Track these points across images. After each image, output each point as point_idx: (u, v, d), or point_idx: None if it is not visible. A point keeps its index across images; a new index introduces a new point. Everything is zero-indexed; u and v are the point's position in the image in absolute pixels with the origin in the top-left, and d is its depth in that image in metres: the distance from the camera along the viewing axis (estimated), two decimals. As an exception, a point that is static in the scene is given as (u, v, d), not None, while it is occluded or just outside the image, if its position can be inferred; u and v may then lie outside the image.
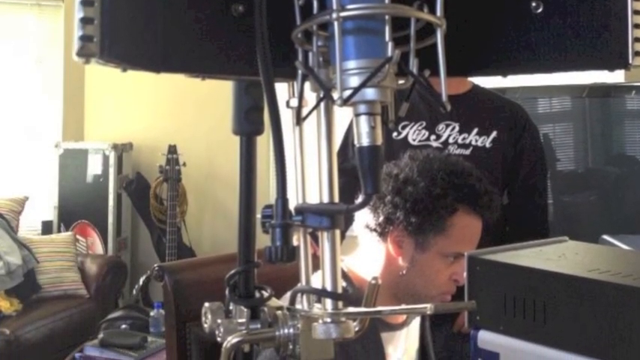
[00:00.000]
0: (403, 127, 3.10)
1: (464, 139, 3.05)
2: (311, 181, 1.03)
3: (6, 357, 4.81)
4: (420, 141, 3.07)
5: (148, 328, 4.56)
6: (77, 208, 6.36)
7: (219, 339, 1.05)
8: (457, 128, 3.06)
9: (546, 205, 3.29)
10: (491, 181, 2.04)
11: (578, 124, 4.82)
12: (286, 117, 0.98)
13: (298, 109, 1.00)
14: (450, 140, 3.06)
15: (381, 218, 1.89)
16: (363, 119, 0.91)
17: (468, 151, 3.02)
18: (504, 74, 1.10)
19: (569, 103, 4.83)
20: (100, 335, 4.22)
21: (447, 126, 3.07)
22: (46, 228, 6.42)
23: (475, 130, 3.06)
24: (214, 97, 5.63)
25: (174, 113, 6.55)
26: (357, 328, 1.01)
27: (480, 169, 1.95)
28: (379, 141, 0.91)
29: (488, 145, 3.05)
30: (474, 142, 3.05)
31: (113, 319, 4.77)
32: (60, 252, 5.80)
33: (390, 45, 0.89)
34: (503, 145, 3.07)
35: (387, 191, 1.87)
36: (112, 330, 4.49)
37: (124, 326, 4.57)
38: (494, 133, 3.06)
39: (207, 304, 1.09)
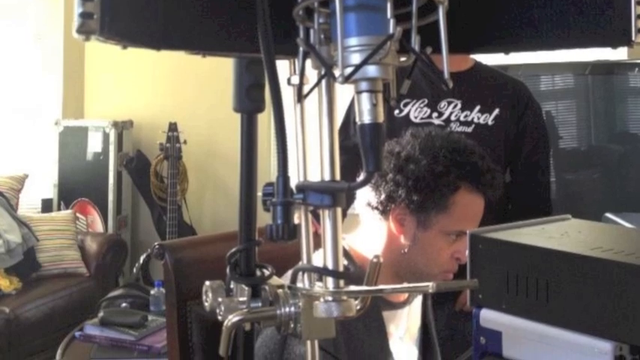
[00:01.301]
0: (405, 105, 3.09)
1: (466, 116, 3.04)
2: (312, 158, 1.02)
3: (5, 336, 4.81)
4: (421, 118, 3.06)
5: (148, 307, 4.55)
6: (77, 186, 6.36)
7: (220, 318, 1.05)
8: (459, 106, 3.05)
9: (549, 183, 3.28)
10: (493, 158, 2.03)
11: (581, 101, 4.81)
12: (287, 94, 0.98)
13: (299, 87, 1.00)
14: (452, 118, 3.05)
15: (383, 196, 1.89)
16: (365, 97, 0.91)
17: (470, 129, 3.02)
18: (507, 51, 1.09)
19: (571, 81, 4.82)
20: (100, 314, 4.20)
21: (449, 103, 3.06)
22: (46, 206, 6.42)
23: (477, 108, 3.05)
24: (215, 74, 5.63)
25: (175, 90, 6.54)
26: (358, 307, 1.01)
27: (482, 147, 1.95)
28: (381, 118, 0.91)
29: (490, 122, 3.04)
30: (476, 120, 3.04)
31: (113, 298, 4.76)
32: (60, 230, 5.80)
33: (391, 22, 0.88)
34: (506, 122, 3.06)
35: (389, 169, 1.87)
36: (112, 309, 4.48)
37: (124, 305, 4.56)
38: (496, 111, 3.05)
39: (207, 283, 1.09)
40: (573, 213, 1.56)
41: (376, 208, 1.91)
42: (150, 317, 4.25)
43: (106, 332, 4.07)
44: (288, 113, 0.95)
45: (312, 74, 1.00)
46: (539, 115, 3.27)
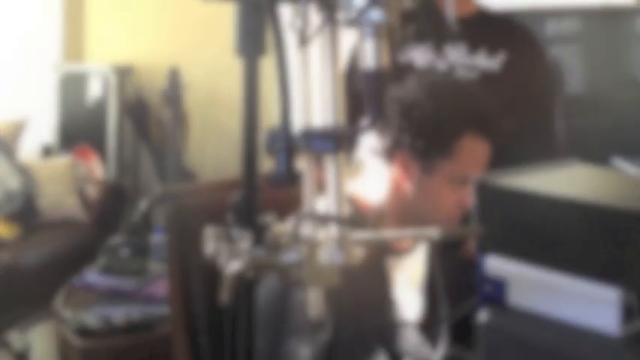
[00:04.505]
0: (409, 50, 3.06)
1: (471, 61, 3.02)
2: (315, 104, 1.01)
3: (5, 283, 4.81)
4: (426, 63, 3.04)
5: (149, 254, 4.55)
6: (77, 131, 6.32)
7: (221, 265, 1.04)
8: (464, 50, 3.03)
9: (556, 129, 3.27)
10: (498, 103, 2.02)
11: (588, 46, 4.77)
12: (291, 39, 0.96)
13: (303, 31, 0.98)
14: (457, 62, 3.02)
15: (387, 142, 1.87)
16: (369, 41, 0.90)
17: (475, 74, 2.99)
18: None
19: (578, 26, 4.78)
20: (101, 261, 4.21)
21: (454, 48, 3.03)
22: (46, 152, 6.39)
23: (483, 53, 3.02)
24: (218, 18, 5.56)
25: (177, 35, 6.49)
26: (362, 254, 1.00)
27: (487, 92, 1.93)
28: (384, 63, 0.90)
29: (495, 67, 3.02)
30: (481, 65, 3.01)
31: (114, 245, 4.76)
32: (60, 176, 5.78)
33: (397, -36, 0.86)
34: (511, 67, 3.04)
35: (393, 114, 1.85)
36: (112, 256, 4.48)
37: (125, 252, 4.56)
38: (502, 55, 3.03)
39: (210, 229, 1.08)
40: (580, 158, 1.54)
41: (380, 153, 1.90)
42: (151, 264, 4.24)
43: (106, 280, 4.07)
44: (291, 58, 0.93)
45: (315, 18, 0.98)
46: (546, 60, 3.24)
